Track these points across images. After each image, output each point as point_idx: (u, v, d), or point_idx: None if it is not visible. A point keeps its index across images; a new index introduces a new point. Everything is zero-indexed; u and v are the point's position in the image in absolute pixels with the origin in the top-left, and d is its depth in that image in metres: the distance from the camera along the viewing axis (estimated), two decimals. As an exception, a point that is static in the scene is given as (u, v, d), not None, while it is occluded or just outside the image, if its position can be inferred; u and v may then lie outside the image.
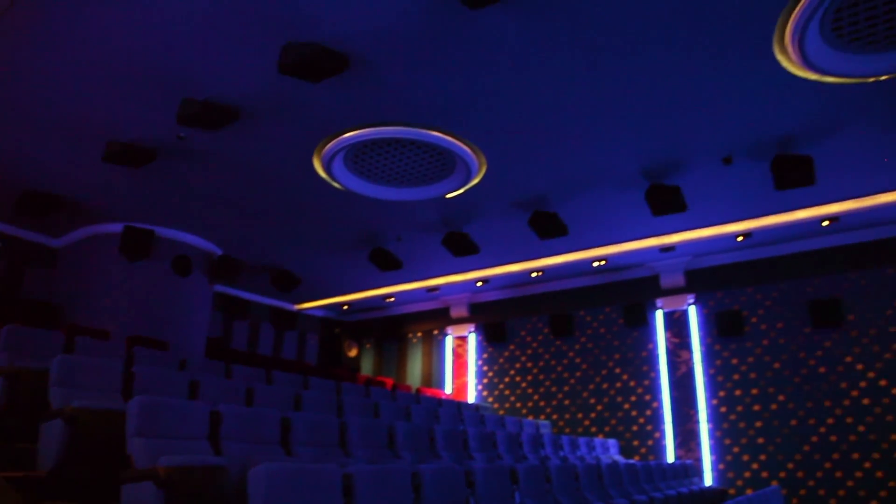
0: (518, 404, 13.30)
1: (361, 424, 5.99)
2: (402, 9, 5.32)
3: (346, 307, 15.69)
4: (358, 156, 8.15)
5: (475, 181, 8.60)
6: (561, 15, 5.40)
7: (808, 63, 6.07)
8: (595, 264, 12.01)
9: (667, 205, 8.33)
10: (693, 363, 11.44)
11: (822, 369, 10.39)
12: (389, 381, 13.01)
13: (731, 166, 8.10)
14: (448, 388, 14.27)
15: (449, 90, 6.54)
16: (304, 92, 6.57)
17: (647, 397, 11.85)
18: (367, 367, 16.12)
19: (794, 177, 7.59)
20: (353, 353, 16.25)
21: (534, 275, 12.68)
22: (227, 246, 11.48)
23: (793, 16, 5.47)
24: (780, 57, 6.00)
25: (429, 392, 13.06)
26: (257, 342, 14.70)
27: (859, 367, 10.13)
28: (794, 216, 9.81)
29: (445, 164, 8.32)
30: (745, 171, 8.27)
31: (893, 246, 10.29)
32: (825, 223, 9.92)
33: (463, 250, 10.22)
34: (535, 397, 13.10)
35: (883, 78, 6.35)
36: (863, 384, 10.04)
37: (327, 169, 8.28)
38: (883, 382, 9.90)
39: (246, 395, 6.37)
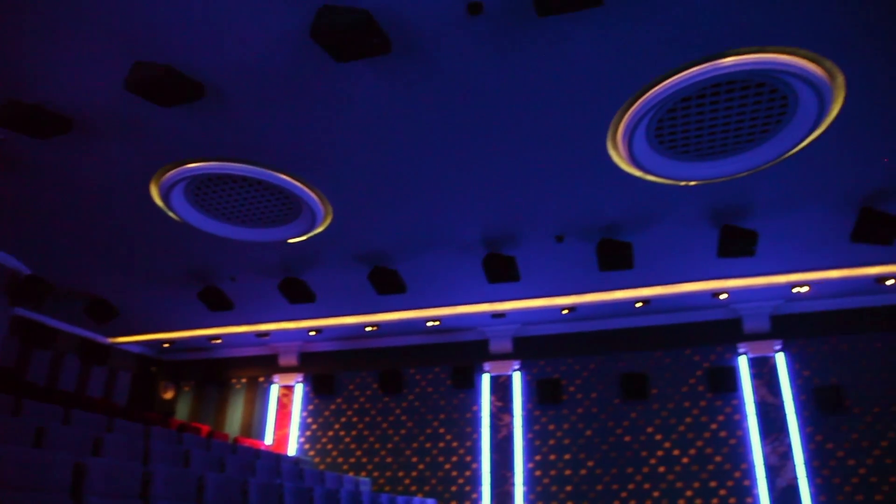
0: (340, 459, 13.00)
1: (168, 474, 5.55)
2: (267, 48, 5.29)
3: (166, 345, 14.64)
4: (200, 188, 7.81)
5: (319, 229, 8.54)
6: (423, 84, 5.64)
7: (634, 160, 6.78)
8: (429, 324, 12.24)
9: (502, 273, 8.76)
10: (514, 427, 11.88)
11: (627, 438, 11.23)
12: (206, 428, 12.20)
13: (562, 244, 8.72)
14: (269, 439, 13.65)
15: (303, 135, 6.52)
16: (149, 114, 6.24)
17: (468, 458, 12.08)
18: (182, 412, 15.02)
19: (615, 260, 8.32)
20: (168, 395, 15.11)
21: (368, 329, 12.65)
22: (36, 266, 10.37)
23: (625, 118, 6.12)
24: (612, 152, 6.65)
25: (247, 442, 12.40)
26: (59, 376, 13.23)
27: (658, 437, 11.08)
28: (613, 295, 10.72)
29: (290, 209, 8.20)
30: (575, 249, 8.95)
31: (693, 330, 11.53)
32: (638, 304, 10.92)
33: (299, 297, 10.01)
34: (358, 453, 12.89)
35: (692, 183, 7.24)
36: (660, 453, 10.98)
37: (164, 198, 7.84)
38: (676, 452, 10.90)
39: (35, 435, 5.68)
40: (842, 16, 4.98)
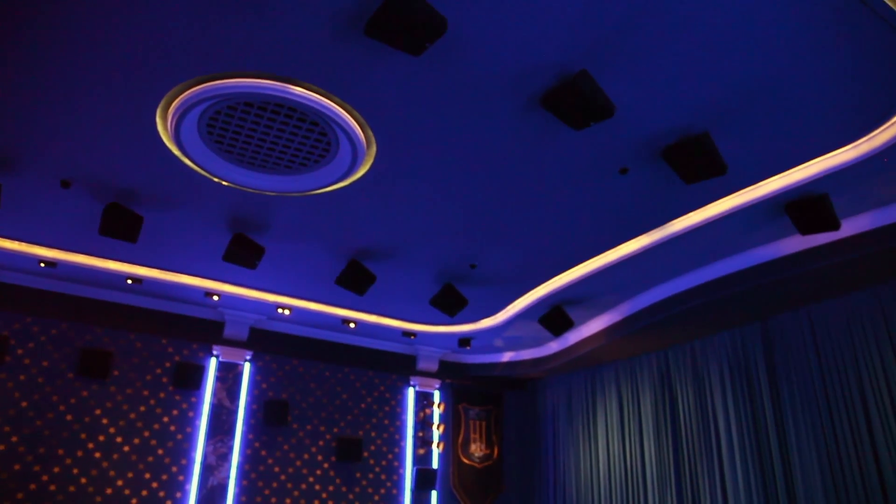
0: None
1: None
2: None
3: None
4: None
5: None
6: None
7: (177, 139, 6.61)
8: None
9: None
10: (-75, 381, 9.74)
11: (69, 417, 10.28)
12: None
13: (68, 191, 7.73)
14: None
15: None
16: None
17: None
18: None
19: (120, 229, 7.78)
20: None
21: None
22: None
23: (185, 94, 5.95)
24: (158, 121, 6.34)
25: None
26: None
27: (104, 421, 10.49)
28: (105, 264, 9.89)
29: None
30: (82, 202, 7.99)
31: (175, 322, 11.46)
32: (129, 281, 10.26)
33: None
34: None
35: (224, 183, 7.40)
36: (101, 438, 10.39)
37: None
38: (119, 439, 10.51)
39: None
40: (398, 99, 5.88)
